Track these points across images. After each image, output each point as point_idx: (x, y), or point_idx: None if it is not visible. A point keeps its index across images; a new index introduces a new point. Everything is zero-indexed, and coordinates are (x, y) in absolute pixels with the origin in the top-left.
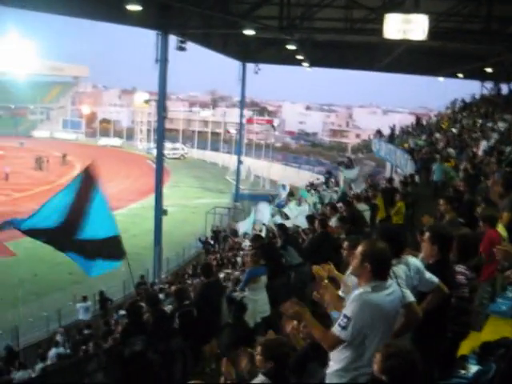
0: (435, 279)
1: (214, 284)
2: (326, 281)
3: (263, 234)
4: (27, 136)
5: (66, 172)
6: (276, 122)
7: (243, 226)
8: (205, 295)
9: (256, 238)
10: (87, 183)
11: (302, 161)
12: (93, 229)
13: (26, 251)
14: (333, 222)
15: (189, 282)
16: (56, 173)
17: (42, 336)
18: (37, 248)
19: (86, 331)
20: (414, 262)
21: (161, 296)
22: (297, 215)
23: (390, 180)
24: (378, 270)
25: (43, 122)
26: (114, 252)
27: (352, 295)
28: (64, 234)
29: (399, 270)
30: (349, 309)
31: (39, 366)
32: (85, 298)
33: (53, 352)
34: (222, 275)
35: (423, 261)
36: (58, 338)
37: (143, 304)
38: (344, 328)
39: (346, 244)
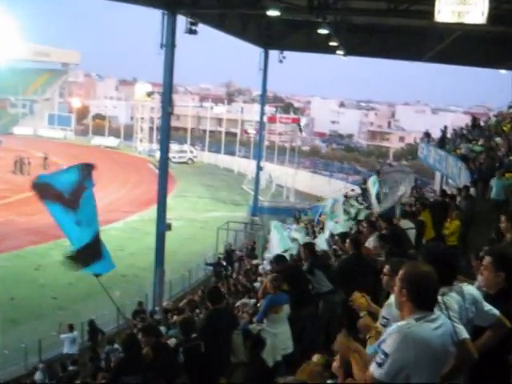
0: (496, 311)
1: (222, 312)
2: (365, 312)
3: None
4: (6, 133)
5: None
6: (303, 121)
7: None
8: (211, 325)
9: (278, 259)
10: (82, 179)
11: (334, 168)
12: (76, 233)
13: (1, 270)
14: (370, 241)
15: (197, 311)
16: None
17: (19, 372)
18: (14, 267)
19: (71, 367)
20: (470, 290)
21: (162, 328)
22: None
23: (444, 193)
24: (420, 299)
25: (26, 117)
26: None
27: (391, 327)
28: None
29: (451, 300)
30: (387, 344)
31: None
32: (71, 328)
33: None
34: (237, 304)
35: (480, 289)
36: (38, 375)
37: (141, 336)
38: (380, 366)
39: (386, 268)
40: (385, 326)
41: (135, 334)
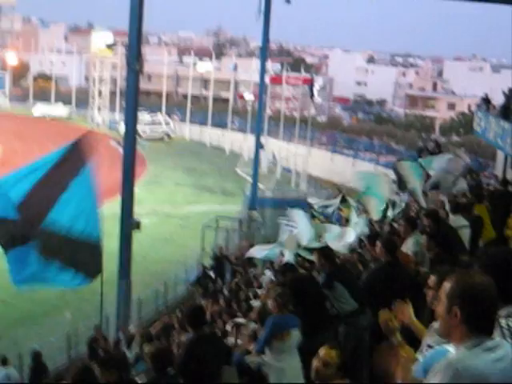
0: None
1: (208, 340)
2: (399, 336)
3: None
4: None
5: None
6: (319, 83)
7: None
8: (193, 357)
9: (284, 269)
10: (74, 158)
11: (361, 145)
12: (64, 214)
13: None
14: (409, 244)
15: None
16: None
17: None
18: None
19: None
20: None
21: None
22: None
23: (506, 181)
24: (474, 320)
25: None
26: (87, 263)
27: (439, 363)
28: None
29: None
30: (435, 382)
31: None
32: (4, 362)
33: None
34: (228, 327)
35: None
36: None
37: (99, 371)
38: None
39: (432, 280)
40: None
41: (89, 367)
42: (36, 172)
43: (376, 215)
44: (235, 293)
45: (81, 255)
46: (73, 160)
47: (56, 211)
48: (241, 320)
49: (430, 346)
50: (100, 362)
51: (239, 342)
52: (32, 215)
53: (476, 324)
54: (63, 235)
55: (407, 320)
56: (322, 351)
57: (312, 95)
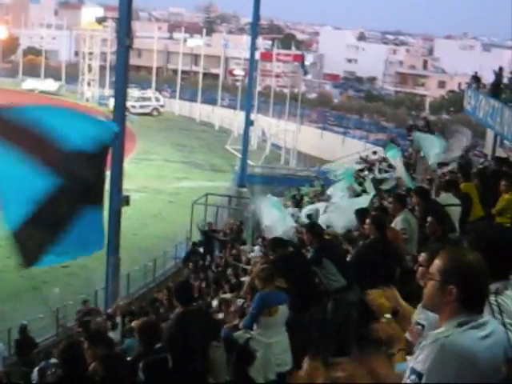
0: None
1: (196, 315)
2: (388, 315)
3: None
4: None
5: None
6: (309, 60)
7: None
8: (180, 333)
9: (275, 244)
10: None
11: (351, 123)
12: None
13: None
14: (398, 221)
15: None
16: None
17: None
18: None
19: None
20: None
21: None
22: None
23: (498, 159)
24: (468, 297)
25: None
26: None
27: (425, 339)
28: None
29: (507, 300)
30: (420, 360)
31: None
32: None
33: None
34: (214, 303)
35: None
36: None
37: (86, 346)
38: None
39: (422, 257)
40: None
41: (78, 343)
42: None
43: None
44: (223, 269)
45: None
46: None
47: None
48: (228, 296)
49: (418, 324)
50: (89, 338)
51: (226, 318)
52: None
53: (470, 302)
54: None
55: (395, 305)
56: None
57: (306, 72)
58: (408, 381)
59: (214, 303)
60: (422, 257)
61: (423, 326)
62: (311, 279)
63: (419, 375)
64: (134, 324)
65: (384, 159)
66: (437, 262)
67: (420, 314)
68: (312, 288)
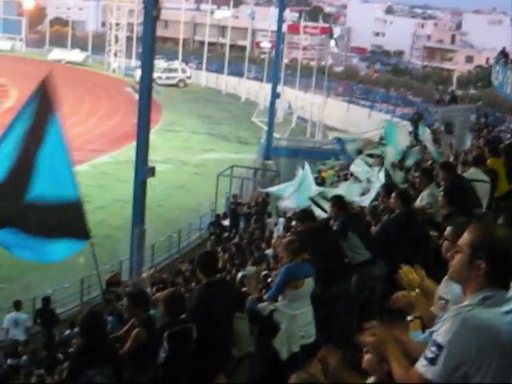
0: None
1: (220, 286)
2: (418, 290)
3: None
4: None
5: None
6: (337, 32)
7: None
8: (205, 304)
9: (303, 216)
10: (43, 106)
11: (377, 96)
12: (44, 181)
13: None
14: (424, 196)
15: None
16: None
17: None
18: None
19: (9, 361)
20: None
21: None
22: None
23: None
24: (496, 273)
25: None
26: (74, 227)
27: (448, 312)
28: (11, 195)
29: None
30: (441, 332)
31: None
32: (17, 306)
33: None
34: (239, 274)
35: None
36: None
37: (126, 305)
38: (432, 362)
39: (448, 231)
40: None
41: (100, 312)
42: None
43: (388, 164)
44: (248, 241)
45: (63, 220)
46: (43, 111)
47: (33, 183)
48: (253, 268)
49: (442, 299)
50: (129, 296)
51: (250, 290)
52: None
53: (497, 278)
54: (39, 202)
55: (419, 285)
56: None
57: (337, 44)
58: (429, 353)
59: (239, 275)
60: (448, 231)
61: (447, 300)
62: (338, 252)
63: (439, 347)
64: (158, 295)
65: (412, 132)
66: (466, 236)
67: (443, 289)
68: (339, 262)
